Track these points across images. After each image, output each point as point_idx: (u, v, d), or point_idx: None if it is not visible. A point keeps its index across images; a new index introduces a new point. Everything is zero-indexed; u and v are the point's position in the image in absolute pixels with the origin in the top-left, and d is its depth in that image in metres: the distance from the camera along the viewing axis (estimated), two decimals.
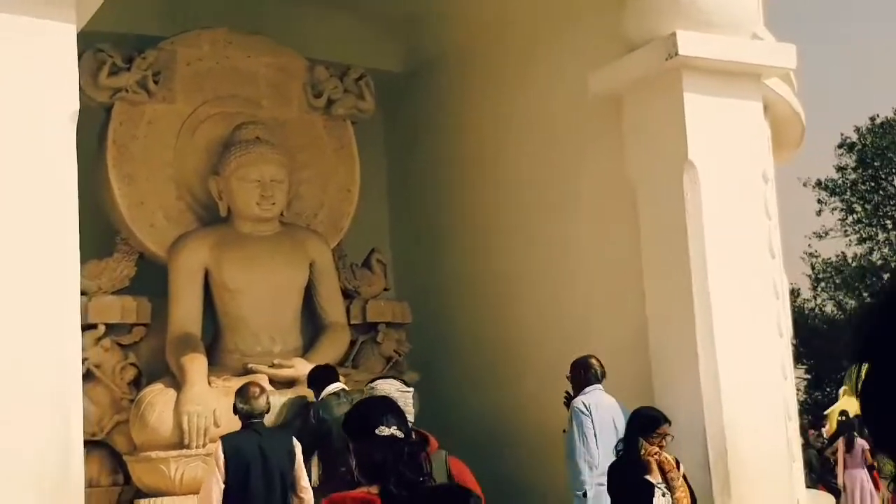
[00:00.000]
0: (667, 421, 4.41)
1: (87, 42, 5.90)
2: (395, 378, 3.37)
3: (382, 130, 7.68)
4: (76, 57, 4.09)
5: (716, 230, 5.24)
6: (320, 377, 5.30)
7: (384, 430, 2.59)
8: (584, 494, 4.66)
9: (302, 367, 5.75)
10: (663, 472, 4.35)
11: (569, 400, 5.05)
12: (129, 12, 6.24)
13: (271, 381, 5.71)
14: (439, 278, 7.29)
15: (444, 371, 6.92)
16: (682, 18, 5.29)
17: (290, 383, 5.79)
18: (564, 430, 5.41)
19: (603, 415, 4.85)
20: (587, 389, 5.12)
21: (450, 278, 7.18)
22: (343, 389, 5.21)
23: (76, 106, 4.09)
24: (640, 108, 5.55)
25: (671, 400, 5.06)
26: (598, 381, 5.05)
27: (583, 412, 4.91)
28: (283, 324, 6.08)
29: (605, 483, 4.39)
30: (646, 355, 5.39)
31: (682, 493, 4.29)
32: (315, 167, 6.56)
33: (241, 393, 5.05)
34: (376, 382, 3.28)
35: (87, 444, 5.51)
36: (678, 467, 4.37)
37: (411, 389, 3.33)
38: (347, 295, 6.59)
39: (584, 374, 5.13)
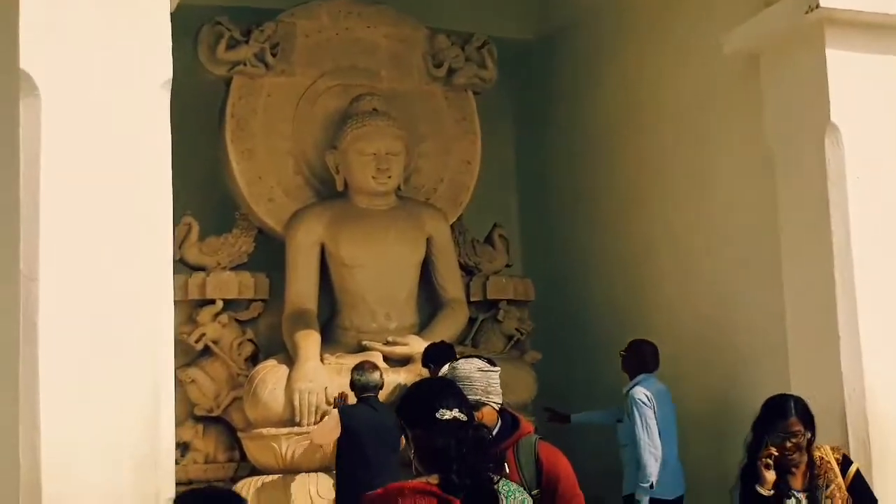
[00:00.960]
0: (797, 414, 3.69)
1: (205, 15, 6.07)
2: (479, 357, 3.16)
3: (509, 101, 7.50)
4: (168, 21, 4.04)
5: (861, 199, 4.78)
6: (436, 354, 5.22)
7: (445, 414, 2.42)
8: (651, 486, 4.45)
9: (417, 345, 5.67)
10: (812, 476, 3.70)
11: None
12: None
13: (385, 359, 5.66)
14: (567, 254, 7.08)
15: (569, 351, 6.70)
16: None
17: (404, 361, 5.72)
18: (619, 420, 5.28)
19: (662, 405, 4.76)
20: (642, 377, 5.02)
21: (578, 253, 6.97)
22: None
23: (169, 74, 4.04)
24: (778, 68, 5.15)
25: (809, 384, 4.65)
26: (656, 369, 4.97)
27: (645, 403, 4.85)
28: (400, 300, 6.00)
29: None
30: (782, 336, 5.01)
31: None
32: (434, 140, 6.45)
33: (357, 367, 5.23)
34: (458, 363, 3.09)
35: (204, 419, 5.78)
36: (843, 470, 3.70)
37: (497, 369, 3.13)
38: (468, 271, 6.48)
39: (644, 358, 5.05)
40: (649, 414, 4.87)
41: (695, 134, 5.88)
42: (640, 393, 5.04)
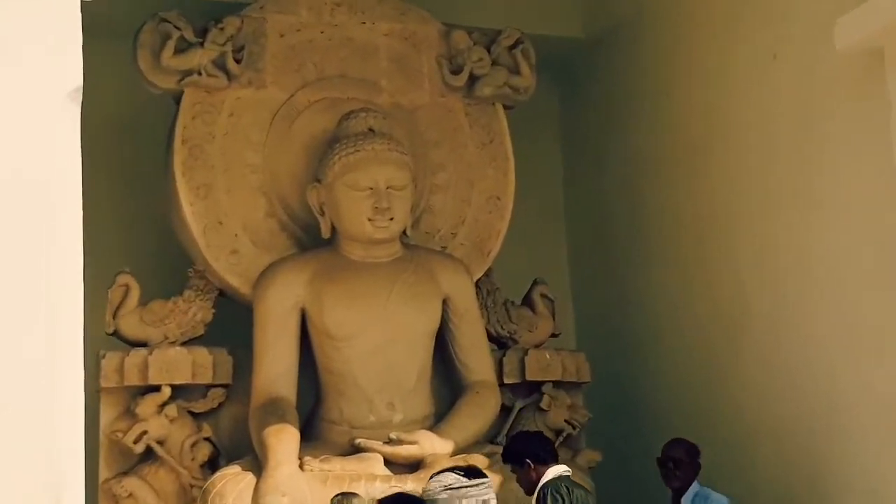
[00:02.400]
0: None
1: (147, 11, 5.99)
2: (454, 470, 2.98)
3: (551, 117, 7.55)
4: (78, 12, 3.88)
5: None
6: (533, 449, 5.01)
7: None
8: None
9: (428, 444, 5.49)
10: None
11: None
12: None
13: (388, 463, 5.46)
14: (635, 317, 6.97)
15: (639, 450, 6.41)
16: None
17: (413, 466, 5.49)
18: None
19: None
20: (696, 483, 5.40)
21: (651, 317, 6.86)
22: (568, 476, 4.92)
23: (78, 80, 3.85)
24: None
25: None
26: None
27: None
28: (407, 384, 5.81)
29: None
30: None
31: None
32: (453, 169, 6.36)
33: (337, 499, 4.87)
34: (430, 479, 2.90)
35: None
36: None
37: (482, 481, 2.90)
38: (500, 344, 6.32)
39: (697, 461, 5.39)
40: None
41: (797, 150, 5.71)
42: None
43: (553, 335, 6.47)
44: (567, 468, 4.97)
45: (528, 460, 4.95)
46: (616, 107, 7.29)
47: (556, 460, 5.00)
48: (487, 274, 6.36)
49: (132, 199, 6.72)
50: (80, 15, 3.93)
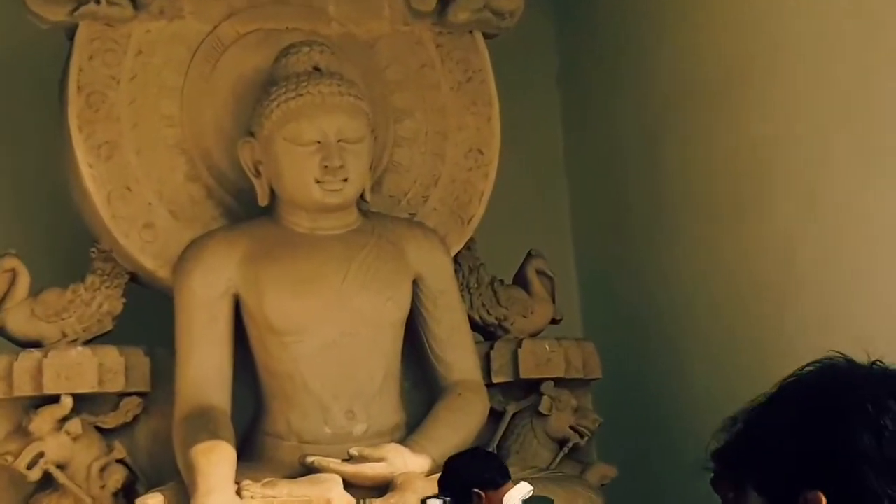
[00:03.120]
0: None
1: None
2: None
3: (545, 48, 7.57)
4: None
5: None
6: (472, 472, 4.90)
7: None
8: None
9: (399, 461, 5.48)
10: None
11: None
12: None
13: (347, 486, 5.43)
14: (655, 296, 6.99)
15: (664, 462, 6.47)
16: None
17: (381, 489, 5.48)
18: None
19: None
20: None
21: (675, 294, 6.86)
22: (534, 496, 4.85)
23: None
24: None
25: None
26: None
27: None
28: (370, 388, 5.80)
29: None
30: None
31: None
32: (422, 116, 6.34)
33: None
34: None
35: None
36: None
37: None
38: (486, 333, 6.34)
39: None
40: None
41: (860, 74, 5.69)
42: None
43: (553, 321, 6.47)
44: (528, 485, 4.89)
45: (476, 490, 4.82)
46: (628, 29, 7.24)
47: (508, 477, 4.92)
48: (468, 246, 6.34)
49: (16, 161, 6.69)
50: None
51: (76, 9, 5.92)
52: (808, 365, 2.46)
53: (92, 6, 5.91)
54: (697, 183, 6.71)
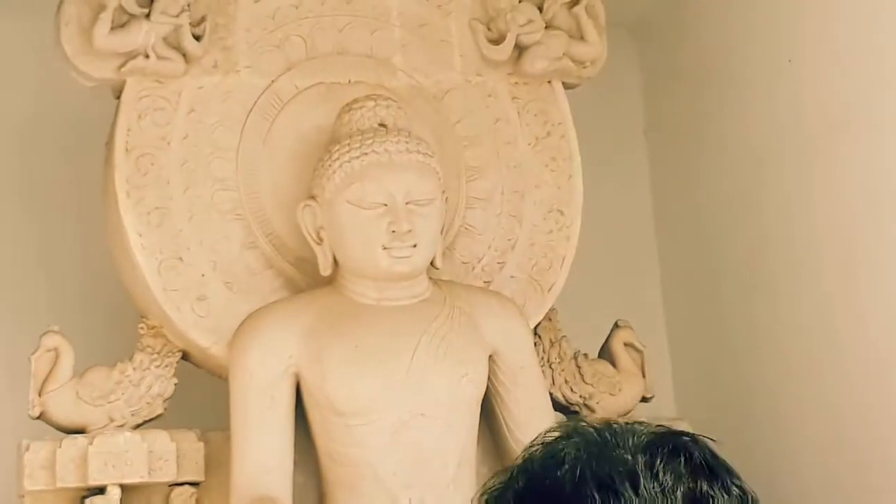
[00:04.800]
0: None
1: None
2: None
3: (632, 97, 7.54)
4: None
5: None
6: None
7: None
8: None
9: None
10: None
11: None
12: None
13: None
14: (759, 367, 6.85)
15: None
16: None
17: None
18: None
19: None
20: None
21: (781, 365, 6.72)
22: None
23: None
24: None
25: None
26: None
27: None
28: (444, 475, 5.67)
29: None
30: None
31: None
32: (496, 174, 6.28)
33: None
34: None
35: None
36: None
37: None
38: (570, 412, 6.22)
39: None
40: None
41: None
42: None
43: (644, 399, 6.36)
44: None
45: None
46: (719, 81, 7.15)
47: None
48: (549, 317, 6.25)
49: (56, 230, 6.63)
50: None
51: (124, 64, 5.88)
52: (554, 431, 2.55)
53: (141, 61, 5.87)
54: (799, 243, 6.53)
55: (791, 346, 6.67)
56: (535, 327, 6.20)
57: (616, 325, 6.47)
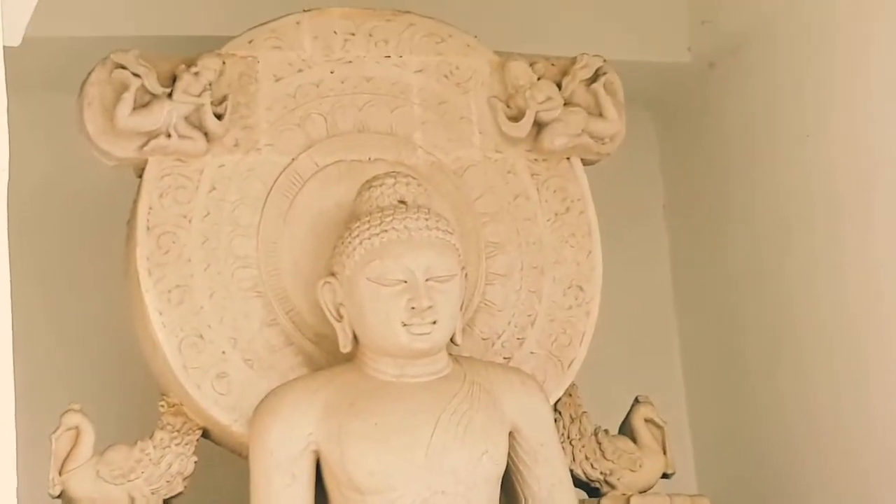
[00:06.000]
0: None
1: (93, 54, 6.02)
2: None
3: (649, 172, 7.62)
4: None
5: None
6: None
7: None
8: None
9: None
10: None
11: None
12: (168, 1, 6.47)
13: None
14: (779, 448, 6.86)
15: None
16: None
17: None
18: None
19: None
20: None
21: (803, 448, 6.73)
22: None
23: (3, 157, 3.94)
24: None
25: None
26: None
27: None
28: None
29: None
30: None
31: None
32: (516, 250, 6.28)
33: None
34: None
35: None
36: None
37: None
38: (591, 490, 6.20)
39: None
40: None
41: None
42: None
43: (665, 475, 6.32)
44: None
45: None
46: (741, 149, 7.23)
47: None
48: (569, 393, 6.23)
49: (79, 308, 6.73)
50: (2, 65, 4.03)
51: (146, 143, 5.92)
52: None
53: (163, 140, 5.91)
54: (827, 308, 6.54)
55: (819, 416, 6.67)
56: (556, 403, 6.18)
57: (636, 401, 6.45)
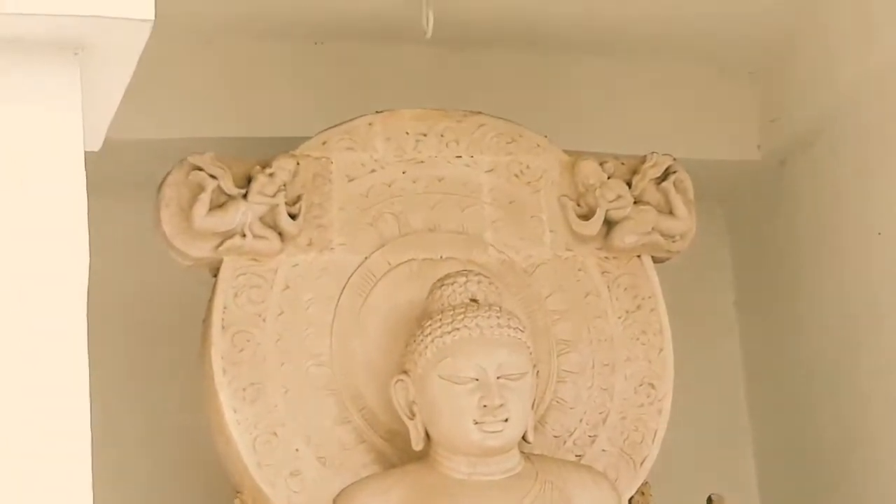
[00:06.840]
0: None
1: (171, 152, 6.12)
2: None
3: (722, 270, 7.59)
4: (83, 177, 4.02)
5: None
6: None
7: None
8: None
9: None
10: None
11: None
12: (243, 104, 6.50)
13: None
14: None
15: None
16: None
17: None
18: None
19: None
20: None
21: None
22: None
23: (84, 272, 3.99)
24: None
25: None
26: None
27: None
28: None
29: None
30: None
31: None
32: (587, 347, 6.27)
33: None
34: None
35: None
36: None
37: None
38: None
39: None
40: None
41: None
42: None
43: None
44: None
45: None
46: (813, 245, 7.23)
47: None
48: (642, 491, 6.18)
49: (154, 405, 6.81)
50: (84, 173, 4.08)
51: (221, 244, 5.98)
52: None
53: (237, 240, 5.97)
54: None
55: None
56: (629, 502, 6.14)
57: (709, 500, 6.37)
